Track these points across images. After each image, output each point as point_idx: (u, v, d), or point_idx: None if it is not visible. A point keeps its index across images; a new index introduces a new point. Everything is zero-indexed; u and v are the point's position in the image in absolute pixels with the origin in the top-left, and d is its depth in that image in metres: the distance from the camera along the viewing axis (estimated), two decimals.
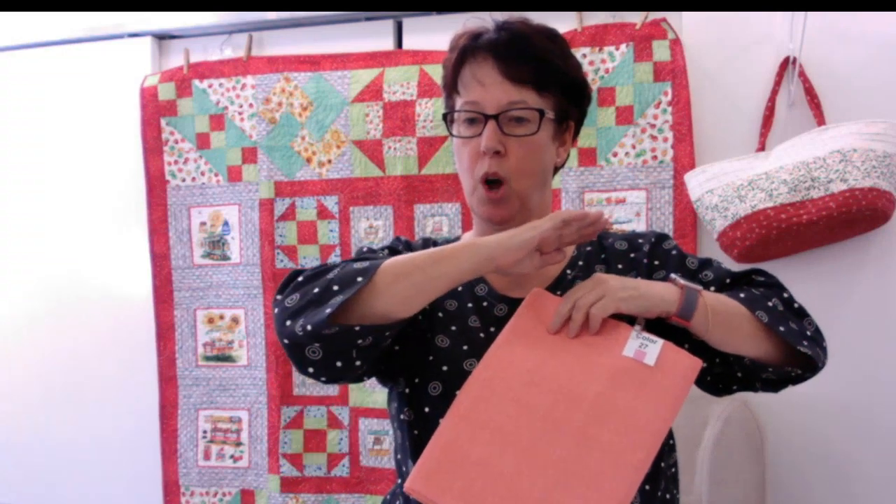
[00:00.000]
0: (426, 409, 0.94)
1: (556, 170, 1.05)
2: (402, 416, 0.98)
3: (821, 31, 1.49)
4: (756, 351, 0.92)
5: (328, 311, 0.81)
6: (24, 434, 1.97)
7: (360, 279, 0.84)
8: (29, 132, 1.94)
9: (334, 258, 1.76)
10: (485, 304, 1.02)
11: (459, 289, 1.03)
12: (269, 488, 1.80)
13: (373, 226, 1.74)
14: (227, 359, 1.84)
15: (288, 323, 0.85)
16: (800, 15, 1.48)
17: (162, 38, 1.89)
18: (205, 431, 1.85)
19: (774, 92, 1.52)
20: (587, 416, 0.82)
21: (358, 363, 0.88)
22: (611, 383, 0.84)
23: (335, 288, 0.84)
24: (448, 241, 1.11)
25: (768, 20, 1.53)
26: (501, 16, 1.01)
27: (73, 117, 1.91)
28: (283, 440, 1.79)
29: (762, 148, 1.52)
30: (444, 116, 1.01)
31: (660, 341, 0.85)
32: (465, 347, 0.97)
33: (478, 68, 0.96)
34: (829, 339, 1.51)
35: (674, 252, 1.03)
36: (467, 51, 0.97)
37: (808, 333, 0.94)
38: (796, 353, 0.91)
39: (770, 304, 0.93)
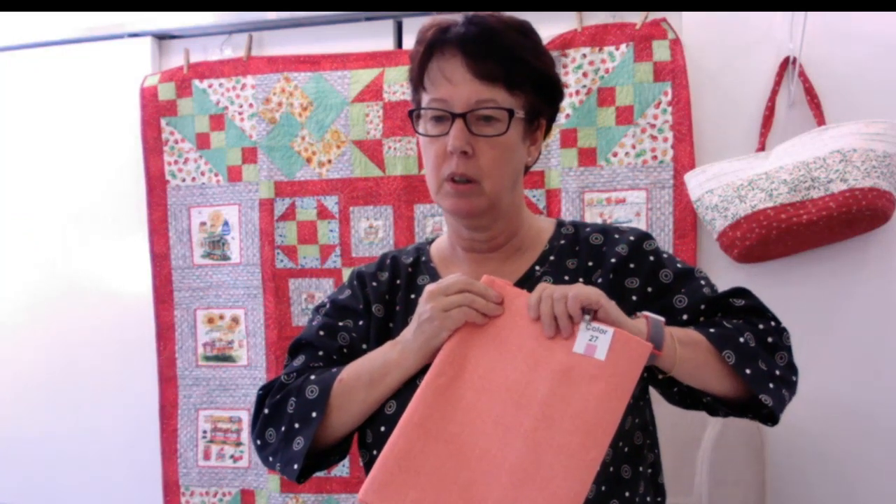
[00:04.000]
0: (382, 429, 0.93)
1: (527, 169, 1.02)
2: (363, 439, 0.97)
3: (821, 31, 1.49)
4: (721, 388, 0.90)
5: (296, 466, 0.92)
6: (25, 434, 1.97)
7: (314, 414, 0.92)
8: (29, 132, 1.94)
9: (334, 258, 1.76)
10: None
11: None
12: (269, 488, 1.80)
13: (373, 226, 1.74)
14: (227, 359, 1.83)
15: (270, 459, 0.97)
16: (800, 15, 1.48)
17: (162, 38, 1.88)
18: (205, 431, 1.85)
19: (774, 92, 1.52)
20: (538, 420, 0.81)
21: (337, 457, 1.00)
22: (561, 383, 0.82)
23: (296, 426, 0.93)
24: (421, 247, 1.09)
25: (768, 20, 1.53)
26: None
27: (73, 117, 1.91)
28: None
29: (762, 148, 1.52)
30: (410, 113, 0.98)
31: (610, 330, 0.82)
32: None
33: (445, 64, 0.92)
34: (829, 340, 1.52)
35: (651, 258, 0.98)
36: (435, 45, 0.93)
37: (777, 372, 0.90)
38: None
39: (742, 339, 0.89)
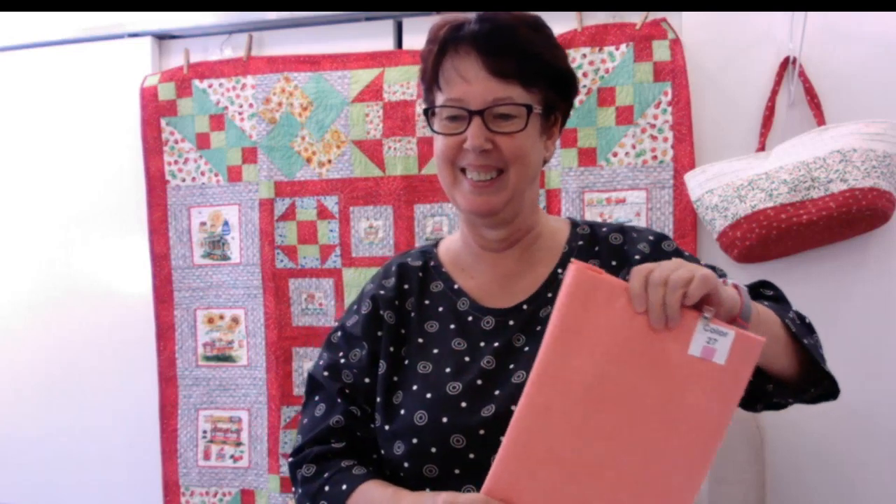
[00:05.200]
0: (414, 441, 0.92)
1: (543, 164, 1.02)
2: (393, 451, 0.95)
3: (821, 31, 1.49)
4: (786, 365, 0.85)
5: None
6: (25, 434, 1.97)
7: None
8: (29, 132, 1.94)
9: (334, 258, 1.76)
10: (469, 318, 0.99)
11: (440, 308, 1.00)
12: (269, 488, 1.80)
13: (373, 226, 1.74)
14: (227, 359, 1.83)
15: None
16: (800, 15, 1.48)
17: (162, 38, 1.88)
18: (205, 431, 1.85)
19: (774, 92, 1.52)
20: (654, 430, 0.76)
21: None
22: (678, 390, 0.75)
23: None
24: (427, 251, 1.08)
25: (768, 20, 1.53)
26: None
27: (73, 117, 1.91)
28: (283, 440, 1.79)
29: (762, 148, 1.52)
30: (426, 112, 0.97)
31: (731, 332, 0.73)
32: (447, 370, 0.94)
33: (460, 62, 0.91)
34: (829, 340, 1.51)
35: (674, 257, 0.97)
36: (448, 43, 0.92)
37: (821, 352, 0.89)
38: (814, 372, 0.86)
39: (790, 315, 0.88)
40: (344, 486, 0.93)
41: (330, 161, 1.75)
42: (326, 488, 0.95)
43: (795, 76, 1.51)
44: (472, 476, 0.88)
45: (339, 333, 1.06)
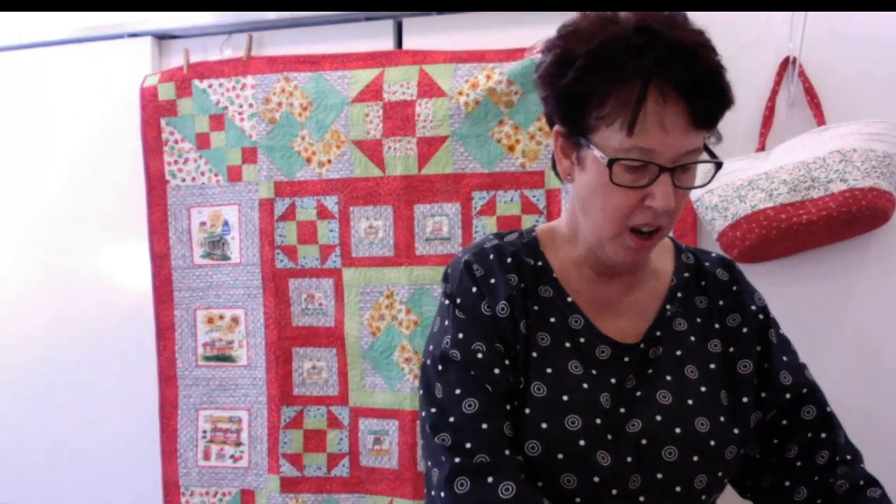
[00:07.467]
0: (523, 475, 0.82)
1: None
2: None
3: (821, 31, 1.49)
4: None
5: None
6: (25, 434, 1.97)
7: None
8: (29, 132, 1.94)
9: (334, 258, 1.76)
10: (582, 340, 0.89)
11: (552, 319, 0.89)
12: (269, 488, 1.80)
13: (373, 226, 1.74)
14: (226, 359, 1.84)
15: None
16: (800, 15, 1.48)
17: (162, 38, 1.88)
18: (205, 431, 1.85)
19: (774, 92, 1.52)
20: None
21: None
22: None
23: None
24: (537, 252, 0.96)
25: (768, 20, 1.53)
26: (656, 19, 0.83)
27: (73, 117, 1.91)
28: (283, 440, 1.79)
29: (762, 148, 1.52)
30: (576, 147, 0.84)
31: None
32: (564, 398, 0.84)
33: (664, 110, 0.78)
34: (829, 340, 1.52)
35: (761, 316, 0.95)
36: (652, 80, 0.78)
37: None
38: None
39: None
40: None
41: (330, 161, 1.75)
42: None
43: (795, 76, 1.50)
44: None
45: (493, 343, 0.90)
